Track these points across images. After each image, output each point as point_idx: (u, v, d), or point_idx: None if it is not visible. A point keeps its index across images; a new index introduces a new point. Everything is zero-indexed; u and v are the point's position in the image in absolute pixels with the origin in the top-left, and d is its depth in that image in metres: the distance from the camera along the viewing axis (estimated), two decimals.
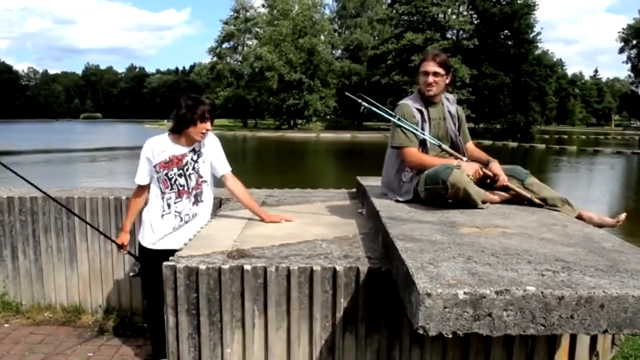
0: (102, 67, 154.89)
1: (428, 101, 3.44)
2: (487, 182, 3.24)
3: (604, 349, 2.55)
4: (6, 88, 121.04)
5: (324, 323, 2.45)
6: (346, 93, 4.12)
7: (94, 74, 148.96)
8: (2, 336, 4.12)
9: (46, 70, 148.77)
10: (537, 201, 3.17)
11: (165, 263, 2.47)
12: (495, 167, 3.26)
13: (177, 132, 3.23)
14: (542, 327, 1.67)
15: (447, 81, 3.42)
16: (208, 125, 3.20)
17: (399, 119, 3.33)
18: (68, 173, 21.22)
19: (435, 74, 3.33)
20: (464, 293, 1.64)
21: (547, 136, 57.52)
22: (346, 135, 51.29)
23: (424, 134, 3.31)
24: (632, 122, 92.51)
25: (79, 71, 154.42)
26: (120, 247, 3.60)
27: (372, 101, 3.37)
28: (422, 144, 3.36)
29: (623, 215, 3.18)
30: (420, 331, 1.65)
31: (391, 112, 3.40)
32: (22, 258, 4.45)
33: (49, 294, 4.48)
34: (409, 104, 3.43)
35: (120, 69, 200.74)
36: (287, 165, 26.16)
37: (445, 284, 1.69)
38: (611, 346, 2.57)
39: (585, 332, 1.68)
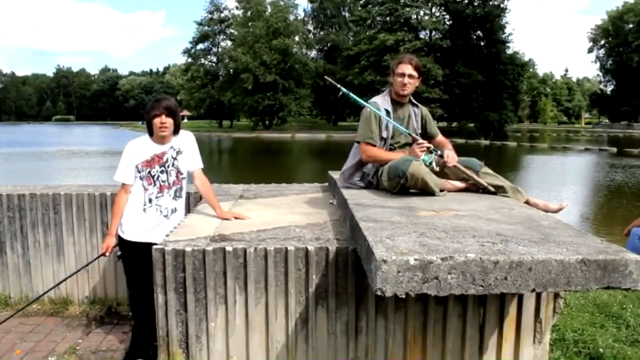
0: (75, 69, 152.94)
1: (396, 101, 3.77)
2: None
3: (547, 316, 2.87)
4: None
5: (298, 298, 2.75)
6: (325, 77, 4.43)
7: (66, 76, 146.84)
8: None
9: (13, 72, 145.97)
10: (491, 189, 3.51)
11: (154, 246, 2.74)
12: (448, 151, 3.61)
13: (150, 133, 3.47)
14: (481, 288, 1.98)
15: (418, 84, 3.76)
16: (162, 119, 3.37)
17: (368, 102, 3.67)
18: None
19: (410, 76, 3.68)
20: (414, 259, 1.94)
21: (519, 134, 58.61)
22: (321, 136, 51.66)
23: (400, 127, 3.63)
24: (601, 120, 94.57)
25: (50, 73, 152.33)
26: (104, 254, 3.57)
27: (348, 91, 3.64)
28: (383, 142, 3.70)
29: (565, 202, 3.56)
30: (379, 293, 1.94)
31: (365, 103, 3.70)
32: (10, 253, 4.66)
33: (37, 287, 4.69)
34: (378, 103, 3.76)
35: (93, 70, 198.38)
36: (262, 164, 26.38)
37: (399, 252, 1.99)
38: (553, 314, 2.90)
39: (517, 291, 2.00)
